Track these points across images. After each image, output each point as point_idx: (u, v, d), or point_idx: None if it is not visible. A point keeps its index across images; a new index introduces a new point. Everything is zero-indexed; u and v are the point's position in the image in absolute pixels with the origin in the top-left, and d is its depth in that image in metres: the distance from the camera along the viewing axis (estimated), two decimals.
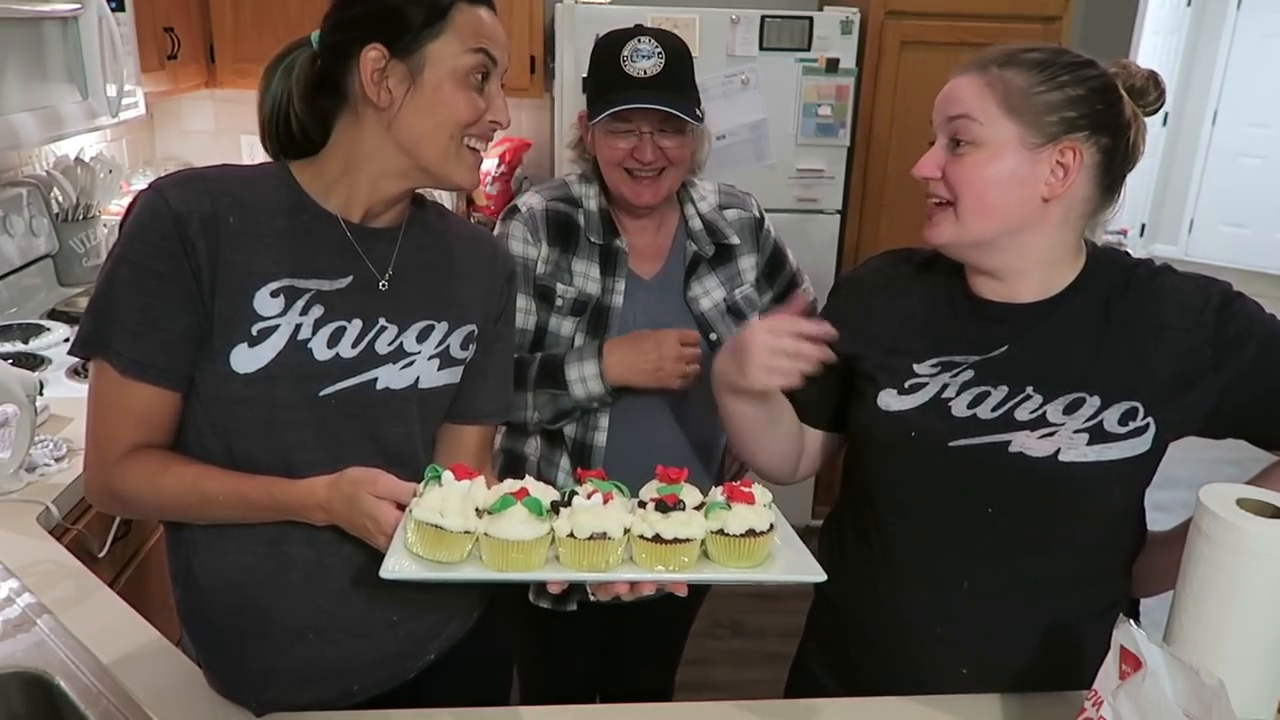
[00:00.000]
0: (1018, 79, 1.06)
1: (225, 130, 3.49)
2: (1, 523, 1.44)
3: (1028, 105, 1.06)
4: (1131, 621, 0.86)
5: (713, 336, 1.57)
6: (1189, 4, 6.71)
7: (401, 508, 0.95)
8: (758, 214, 1.66)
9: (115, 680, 1.07)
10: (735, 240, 1.60)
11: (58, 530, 1.50)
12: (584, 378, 1.45)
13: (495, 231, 1.54)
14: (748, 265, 1.62)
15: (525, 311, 1.51)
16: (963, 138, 1.08)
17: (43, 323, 2.26)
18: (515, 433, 1.61)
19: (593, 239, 1.53)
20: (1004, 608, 1.15)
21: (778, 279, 1.67)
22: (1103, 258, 1.15)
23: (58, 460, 1.61)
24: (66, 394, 1.85)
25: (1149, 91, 1.10)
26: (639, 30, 1.46)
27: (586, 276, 1.52)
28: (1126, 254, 1.18)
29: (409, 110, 1.02)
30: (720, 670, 2.69)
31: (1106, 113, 1.07)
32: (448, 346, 1.13)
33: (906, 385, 1.15)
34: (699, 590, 1.81)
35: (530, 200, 1.55)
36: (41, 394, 1.59)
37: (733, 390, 1.18)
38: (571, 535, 0.92)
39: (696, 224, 1.59)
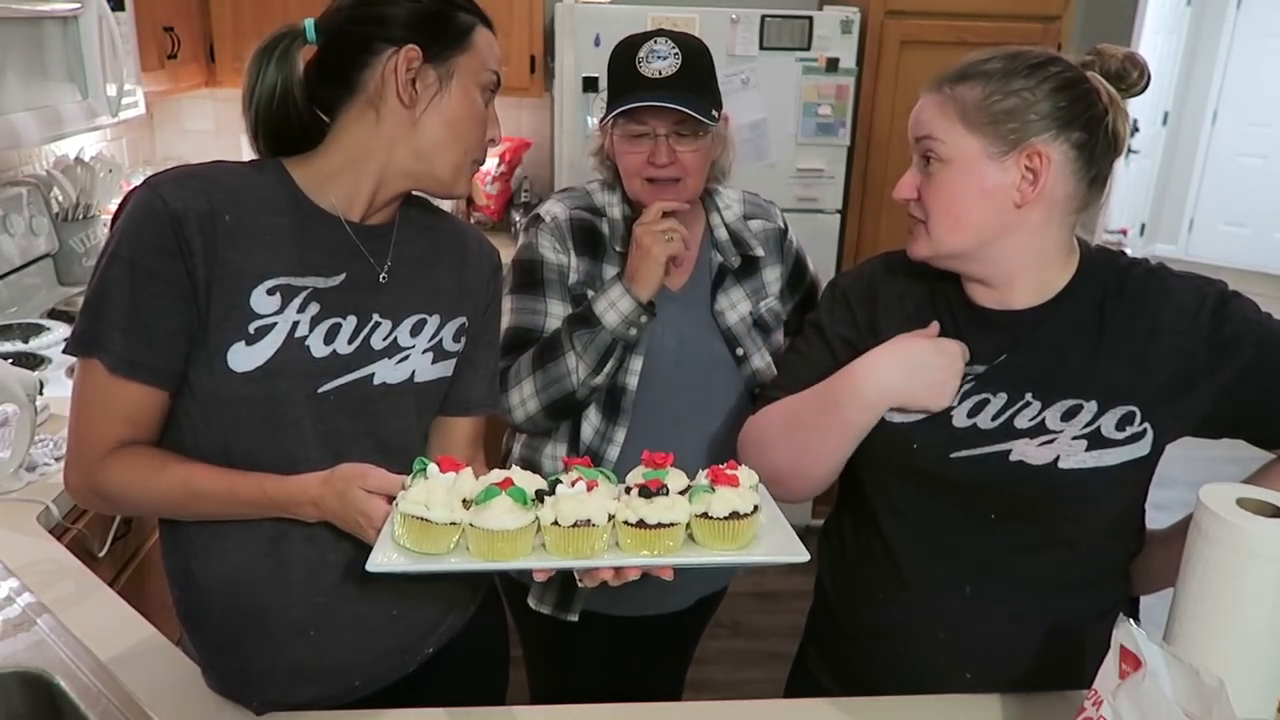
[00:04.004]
0: (971, 93, 1.06)
1: (225, 130, 3.49)
2: (1, 522, 1.44)
3: (984, 117, 1.05)
4: (1131, 621, 0.86)
5: (739, 351, 1.54)
6: (1189, 3, 6.71)
7: (392, 501, 0.95)
8: (781, 224, 1.64)
9: (115, 680, 1.07)
10: (760, 252, 1.58)
11: (58, 530, 1.50)
12: (612, 301, 1.42)
13: (520, 240, 1.53)
14: (772, 277, 1.60)
15: (561, 317, 1.47)
16: (931, 156, 1.09)
17: (43, 322, 2.26)
18: (534, 442, 1.58)
19: (618, 249, 1.50)
20: (1007, 613, 1.14)
21: (800, 289, 1.65)
22: (1096, 259, 1.14)
23: (58, 460, 1.61)
24: (66, 394, 1.79)
25: (1128, 73, 1.08)
26: (658, 32, 1.45)
27: None
28: (1121, 254, 1.17)
29: (432, 115, 1.04)
30: (720, 670, 2.69)
31: (1072, 108, 1.05)
32: (440, 340, 1.14)
33: None
34: (712, 599, 1.79)
35: (553, 209, 1.52)
36: (41, 394, 1.59)
37: (902, 410, 1.13)
38: (556, 523, 0.93)
39: (722, 234, 1.57)
